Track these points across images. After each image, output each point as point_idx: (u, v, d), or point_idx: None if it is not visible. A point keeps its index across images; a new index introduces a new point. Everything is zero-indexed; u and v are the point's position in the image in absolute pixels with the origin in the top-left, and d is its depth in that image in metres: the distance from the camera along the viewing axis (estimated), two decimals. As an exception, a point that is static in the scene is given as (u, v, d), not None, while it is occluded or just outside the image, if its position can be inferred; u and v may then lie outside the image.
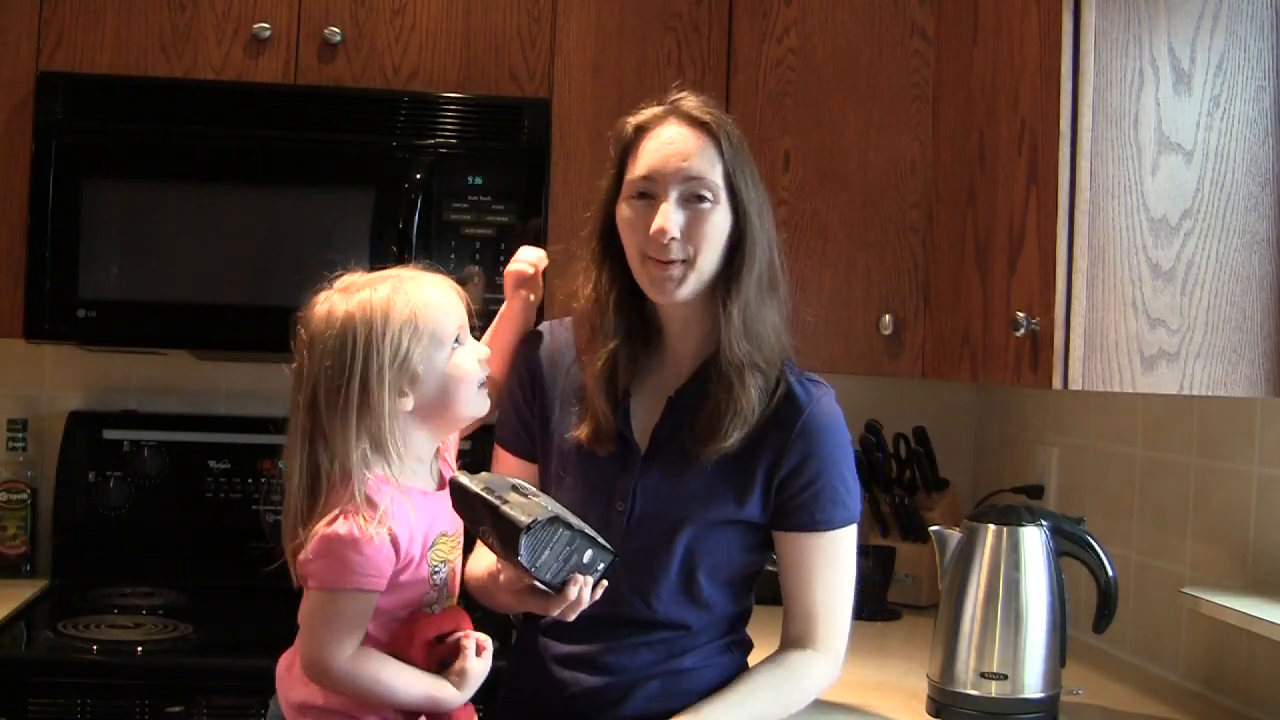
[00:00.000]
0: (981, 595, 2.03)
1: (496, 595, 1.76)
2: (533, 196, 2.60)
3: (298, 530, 1.68)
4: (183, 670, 2.32)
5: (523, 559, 1.57)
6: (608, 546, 1.65)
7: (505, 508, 1.57)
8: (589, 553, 1.63)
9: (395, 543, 1.64)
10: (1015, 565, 2.02)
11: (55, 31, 2.58)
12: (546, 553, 1.59)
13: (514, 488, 1.63)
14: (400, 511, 1.66)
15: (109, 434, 2.83)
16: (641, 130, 1.81)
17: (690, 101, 1.81)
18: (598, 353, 1.84)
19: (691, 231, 1.76)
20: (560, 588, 1.62)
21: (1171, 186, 1.94)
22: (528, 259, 1.95)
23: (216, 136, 2.57)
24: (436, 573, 1.72)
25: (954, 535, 2.10)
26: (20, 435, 2.84)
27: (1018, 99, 2.06)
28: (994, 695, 2.01)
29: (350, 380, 1.65)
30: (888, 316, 2.48)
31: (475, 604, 1.88)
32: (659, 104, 1.83)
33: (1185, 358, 1.94)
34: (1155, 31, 1.93)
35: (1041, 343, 1.95)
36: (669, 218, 1.75)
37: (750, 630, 1.93)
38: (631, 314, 1.84)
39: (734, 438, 1.78)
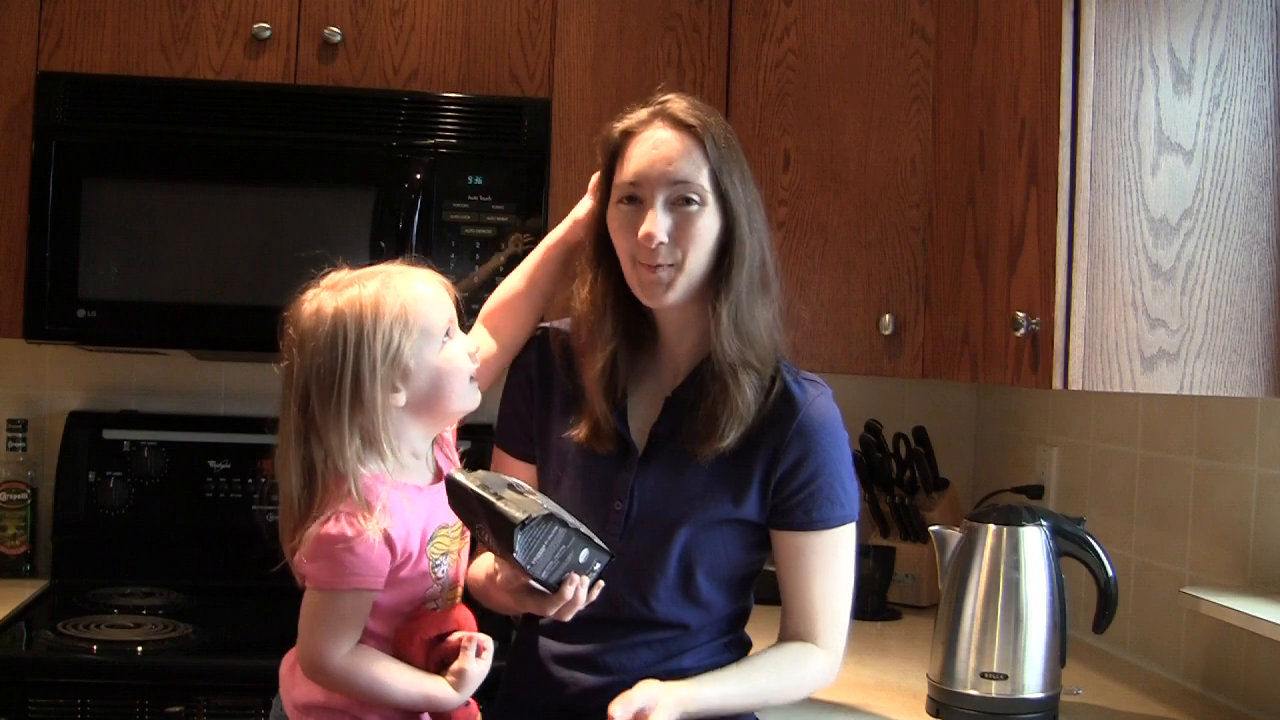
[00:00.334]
0: (981, 595, 2.03)
1: (494, 595, 1.77)
2: (533, 196, 2.60)
3: (295, 531, 1.68)
4: (183, 670, 2.32)
5: (518, 556, 1.57)
6: (604, 547, 1.65)
7: (500, 504, 1.57)
8: (585, 552, 1.63)
9: (390, 541, 1.64)
10: (1015, 565, 2.02)
11: (55, 31, 2.58)
12: (542, 550, 1.59)
13: (510, 486, 1.63)
14: (396, 509, 1.66)
15: (109, 434, 2.83)
16: (628, 135, 1.81)
17: (677, 104, 1.81)
18: (596, 354, 1.84)
19: (679, 235, 1.76)
20: (556, 587, 1.62)
21: (1171, 186, 1.94)
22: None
23: (216, 136, 2.57)
24: (438, 566, 1.72)
25: (954, 535, 2.10)
26: (20, 435, 2.84)
27: (1018, 99, 2.06)
28: (994, 695, 2.01)
29: (343, 377, 1.65)
30: (888, 316, 2.48)
31: (476, 605, 1.88)
32: (646, 107, 1.83)
33: (1185, 358, 1.94)
34: (1155, 31, 1.93)
35: (1041, 343, 1.95)
36: (656, 222, 1.75)
37: (750, 630, 1.93)
38: (627, 315, 1.85)
39: (731, 437, 1.78)
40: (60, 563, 2.81)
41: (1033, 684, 2.01)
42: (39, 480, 2.85)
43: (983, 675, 2.02)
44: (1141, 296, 1.93)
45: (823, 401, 1.84)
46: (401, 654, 1.70)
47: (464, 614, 1.75)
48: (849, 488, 1.84)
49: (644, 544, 1.82)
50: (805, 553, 1.83)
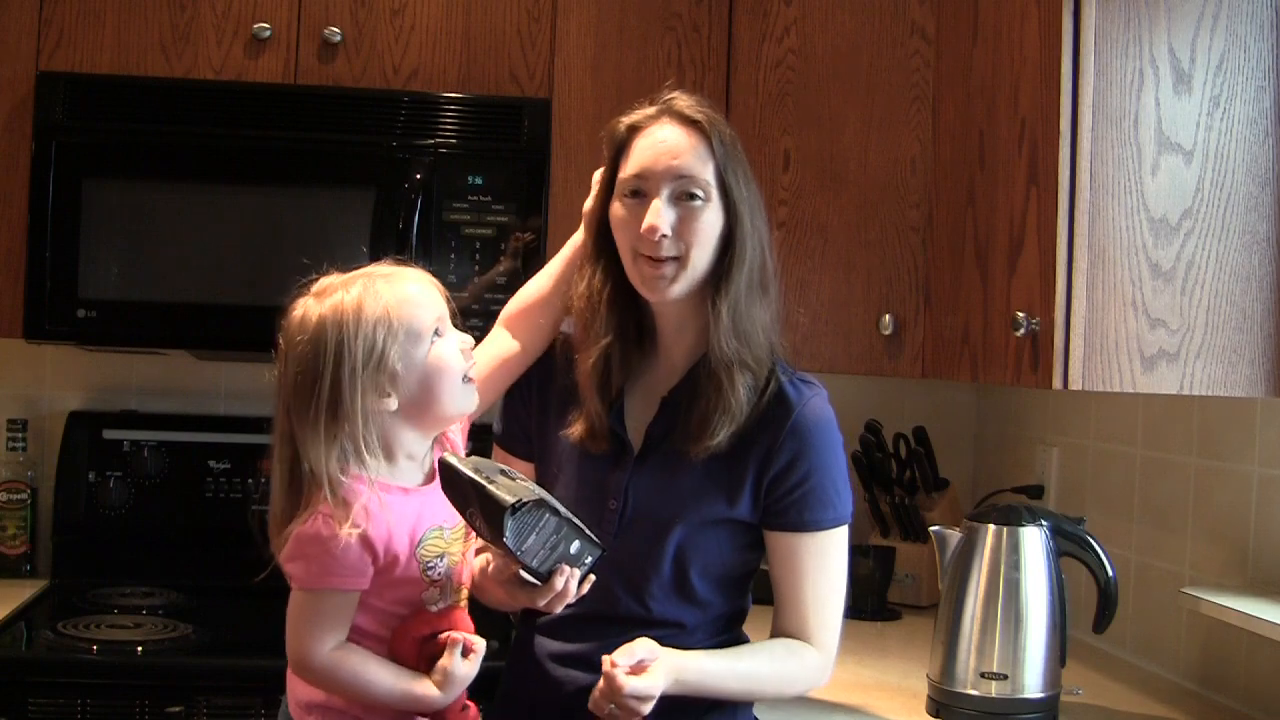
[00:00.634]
0: (981, 595, 2.03)
1: (489, 589, 1.78)
2: (533, 196, 2.60)
3: (281, 531, 1.69)
4: (183, 670, 2.32)
5: (508, 541, 1.57)
6: (596, 540, 1.65)
7: (492, 488, 1.57)
8: (576, 544, 1.63)
9: (369, 543, 1.64)
10: (1015, 565, 2.02)
11: (55, 31, 2.58)
12: (533, 538, 1.59)
13: (503, 472, 1.63)
14: (377, 511, 1.66)
15: (109, 434, 2.83)
16: (634, 129, 1.82)
17: (682, 101, 1.82)
18: (591, 350, 1.85)
19: (683, 229, 1.77)
20: (546, 577, 1.63)
21: (1171, 186, 1.94)
22: None
23: (216, 136, 2.57)
24: (431, 568, 1.71)
25: (954, 535, 2.10)
26: (20, 435, 2.84)
27: (1018, 99, 2.06)
28: (994, 695, 2.01)
29: (320, 385, 1.64)
30: (888, 316, 2.48)
31: (476, 604, 1.88)
32: (652, 104, 1.84)
33: (1185, 358, 1.94)
34: (1155, 31, 1.93)
35: (1041, 343, 1.95)
36: (660, 215, 1.76)
37: (748, 630, 1.93)
38: (624, 313, 1.85)
39: (721, 435, 1.78)
40: (60, 563, 2.81)
41: (1033, 684, 2.01)
42: (39, 480, 2.85)
43: (983, 675, 2.02)
44: (1141, 296, 1.93)
45: (817, 403, 1.84)
46: (394, 652, 1.70)
47: (460, 615, 1.75)
48: (842, 490, 1.84)
49: (638, 543, 1.82)
50: (798, 553, 1.83)
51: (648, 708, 1.66)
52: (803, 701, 1.98)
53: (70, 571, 2.79)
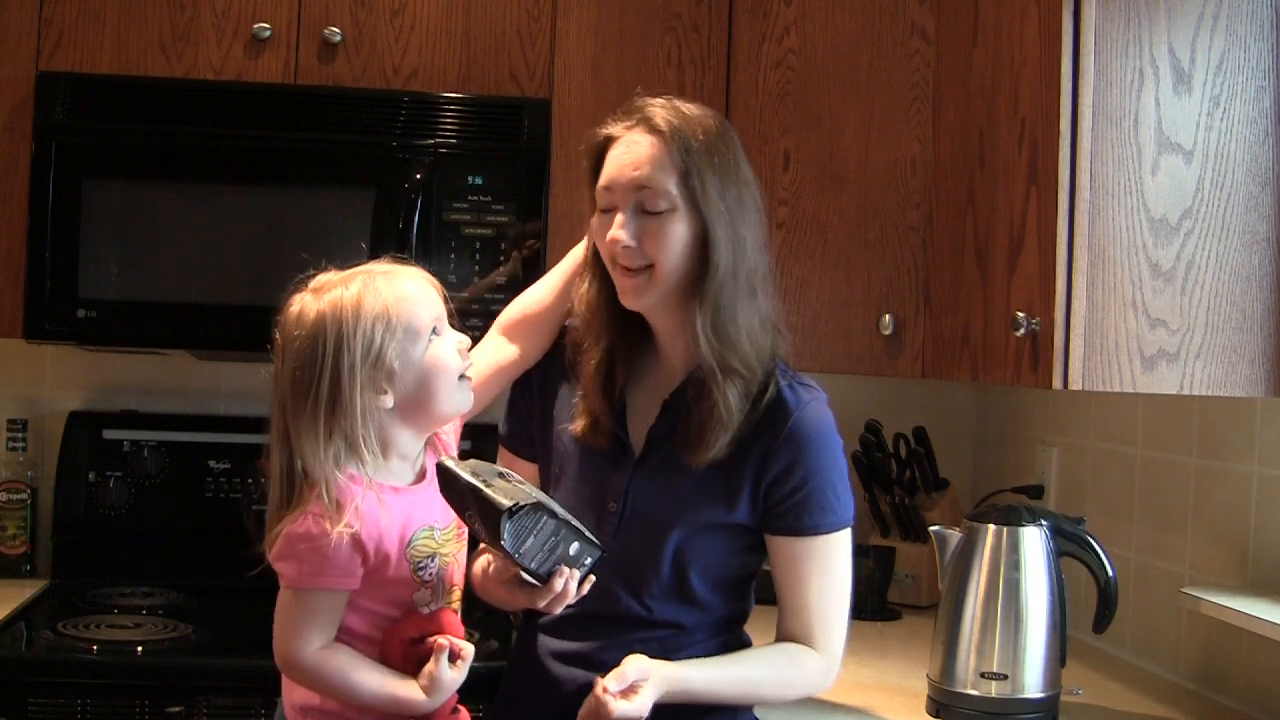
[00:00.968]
0: (981, 595, 2.03)
1: (490, 589, 1.79)
2: (533, 196, 2.60)
3: (272, 530, 1.69)
4: (183, 670, 2.32)
5: (505, 544, 1.57)
6: (595, 541, 1.65)
7: (489, 491, 1.57)
8: (575, 545, 1.63)
9: (359, 543, 1.64)
10: (1015, 565, 2.02)
11: (55, 31, 2.58)
12: (531, 540, 1.59)
13: (501, 475, 1.63)
14: (369, 511, 1.66)
15: (109, 434, 2.83)
16: (610, 140, 1.82)
17: (657, 109, 1.80)
18: (593, 352, 1.86)
19: (646, 240, 1.77)
20: (546, 579, 1.63)
21: (1171, 186, 1.94)
22: None
23: (216, 136, 2.57)
24: (422, 568, 1.71)
25: (954, 535, 2.10)
26: (20, 435, 2.84)
27: (1018, 99, 2.06)
28: (994, 695, 2.01)
29: (320, 380, 1.64)
30: (888, 316, 2.48)
31: (478, 604, 1.88)
32: (629, 113, 1.82)
33: (1185, 358, 1.94)
34: (1155, 31, 1.93)
35: (1041, 343, 1.95)
36: (621, 227, 1.77)
37: (750, 630, 1.93)
38: (620, 317, 1.86)
39: (719, 446, 1.78)
40: (60, 563, 2.81)
41: (1033, 684, 2.01)
42: (39, 480, 2.85)
43: (983, 675, 2.02)
44: (1141, 296, 1.93)
45: (814, 407, 1.84)
46: (383, 654, 1.69)
47: (450, 618, 1.74)
48: (842, 494, 1.84)
49: (638, 545, 1.82)
50: (799, 558, 1.83)
51: None
52: (803, 701, 1.98)
53: (70, 571, 2.79)
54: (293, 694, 1.73)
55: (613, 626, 1.83)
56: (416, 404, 1.71)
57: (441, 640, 1.67)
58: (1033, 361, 1.98)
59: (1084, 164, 1.92)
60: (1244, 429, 2.18)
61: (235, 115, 2.57)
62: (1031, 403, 2.88)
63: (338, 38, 2.63)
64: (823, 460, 1.82)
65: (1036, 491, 2.74)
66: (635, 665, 1.70)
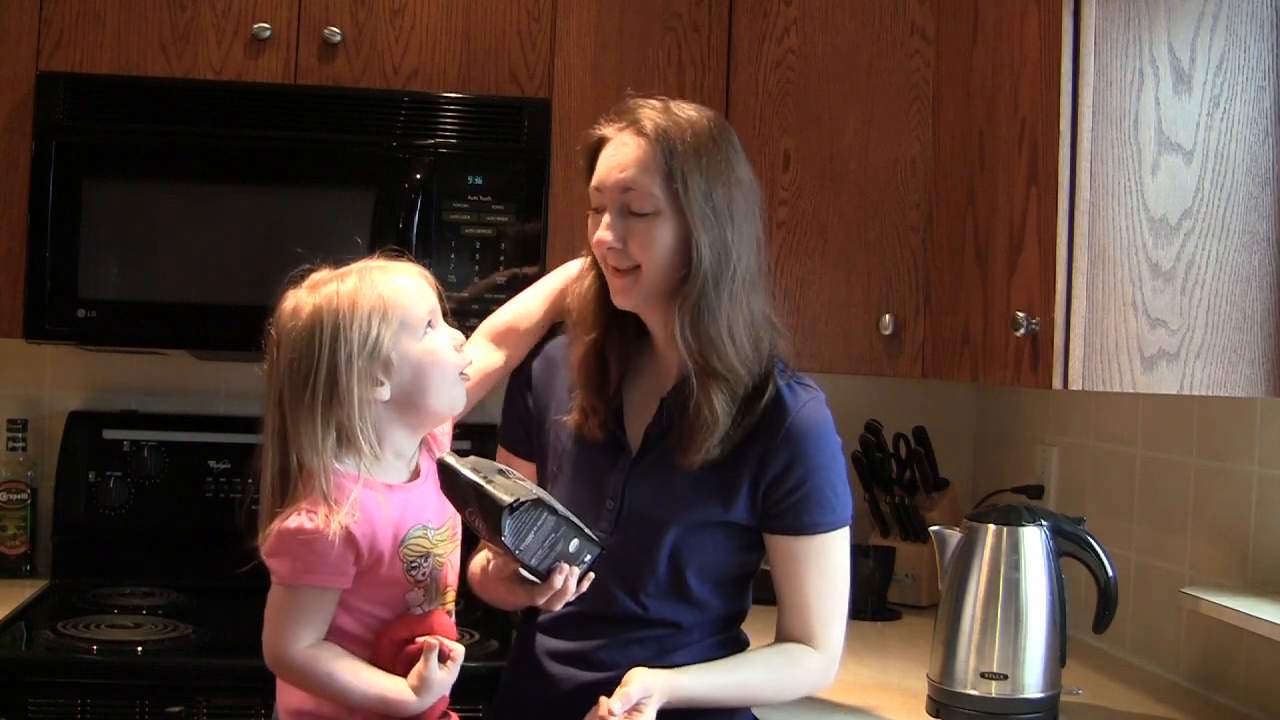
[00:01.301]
0: (981, 595, 2.03)
1: (490, 587, 1.79)
2: (533, 196, 2.60)
3: (266, 527, 1.69)
4: (183, 670, 2.32)
5: (506, 540, 1.57)
6: (595, 538, 1.66)
7: (489, 487, 1.58)
8: (575, 542, 1.63)
9: (353, 540, 1.64)
10: (1015, 565, 2.02)
11: (55, 31, 2.58)
12: (531, 536, 1.59)
13: (501, 471, 1.64)
14: (365, 508, 1.65)
15: (109, 434, 2.83)
16: (602, 141, 1.83)
17: (647, 111, 1.81)
18: (579, 344, 1.88)
19: (630, 242, 1.78)
20: (545, 576, 1.63)
21: (1171, 186, 1.94)
22: None
23: (216, 136, 2.57)
24: (415, 568, 1.71)
25: (954, 535, 2.10)
26: (20, 435, 2.84)
27: (1018, 99, 2.06)
28: (994, 695, 2.01)
29: (318, 372, 1.65)
30: (888, 316, 2.48)
31: (477, 604, 1.88)
32: (623, 114, 1.83)
33: (1185, 358, 1.94)
34: (1155, 31, 1.93)
35: (1041, 343, 1.95)
36: (606, 229, 1.78)
37: (748, 630, 1.93)
38: (614, 314, 1.86)
39: (710, 449, 1.79)
40: (60, 563, 2.81)
41: (1033, 684, 2.01)
42: (39, 480, 2.85)
43: (983, 675, 2.01)
44: (1141, 296, 1.93)
45: (813, 406, 1.84)
46: (375, 655, 1.69)
47: (441, 619, 1.73)
48: (841, 493, 1.84)
49: (634, 543, 1.82)
50: (798, 557, 1.83)
51: None
52: (803, 701, 1.98)
53: (70, 571, 2.79)
54: (287, 698, 1.73)
55: (610, 626, 1.83)
56: (412, 398, 1.71)
57: (431, 640, 1.66)
58: (1033, 361, 1.98)
59: (1084, 164, 1.92)
60: (1244, 429, 2.18)
61: (235, 115, 2.57)
62: (1031, 403, 2.88)
63: (338, 38, 2.63)
64: (821, 459, 1.82)
65: (1036, 491, 2.74)
66: (639, 684, 1.70)
